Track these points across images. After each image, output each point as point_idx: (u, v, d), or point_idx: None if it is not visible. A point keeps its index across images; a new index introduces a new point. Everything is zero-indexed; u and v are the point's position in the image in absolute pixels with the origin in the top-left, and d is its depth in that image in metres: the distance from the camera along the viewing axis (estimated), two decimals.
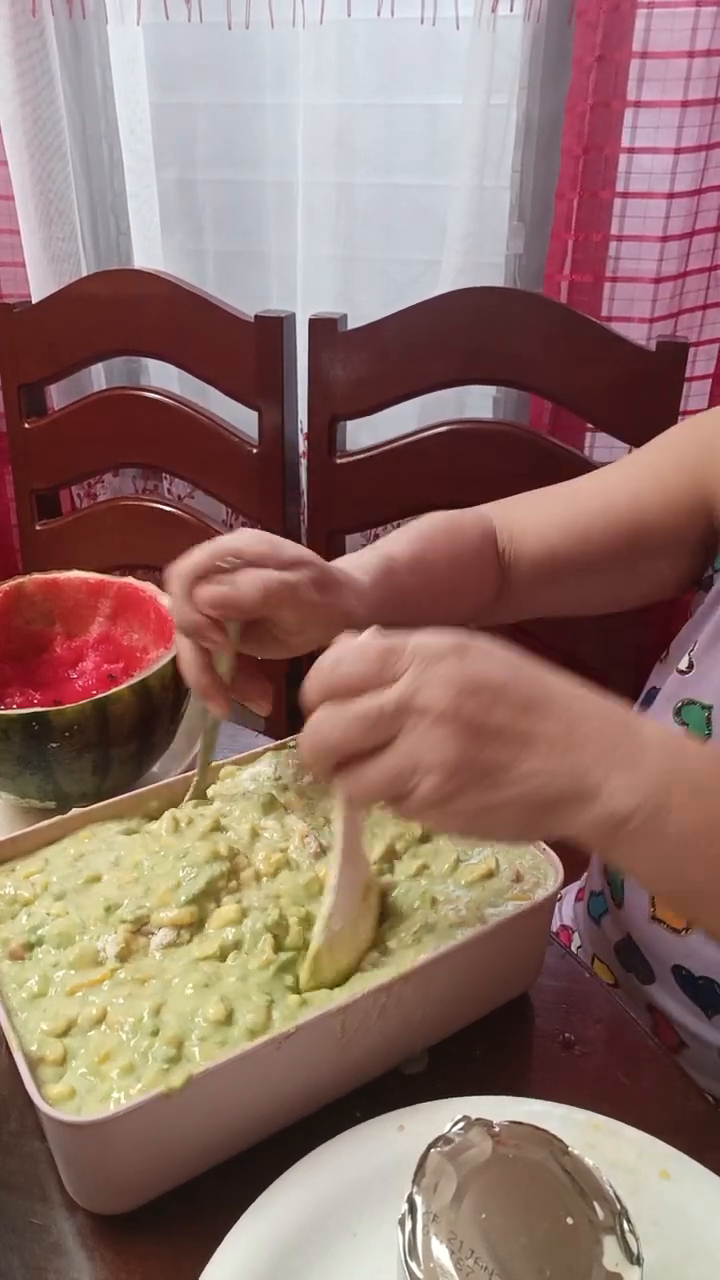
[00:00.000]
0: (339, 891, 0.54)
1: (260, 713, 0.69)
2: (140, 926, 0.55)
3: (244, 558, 0.62)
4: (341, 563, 0.69)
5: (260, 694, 0.69)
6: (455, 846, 0.62)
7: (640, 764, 0.48)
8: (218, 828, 0.62)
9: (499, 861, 0.61)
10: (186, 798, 0.66)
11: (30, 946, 0.56)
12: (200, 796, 0.66)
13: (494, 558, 0.79)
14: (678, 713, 0.72)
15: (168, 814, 0.64)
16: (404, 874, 0.60)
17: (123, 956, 0.54)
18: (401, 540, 0.74)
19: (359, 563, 0.70)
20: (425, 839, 0.63)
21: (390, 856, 0.62)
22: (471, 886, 0.59)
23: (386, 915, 0.59)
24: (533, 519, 0.80)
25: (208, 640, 0.63)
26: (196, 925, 0.56)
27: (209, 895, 0.57)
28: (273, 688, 0.69)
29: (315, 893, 0.58)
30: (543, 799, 0.47)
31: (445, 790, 0.46)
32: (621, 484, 0.79)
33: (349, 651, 0.49)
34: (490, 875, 0.60)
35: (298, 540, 1.33)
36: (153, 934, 0.55)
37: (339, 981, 0.55)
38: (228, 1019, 0.51)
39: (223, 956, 0.54)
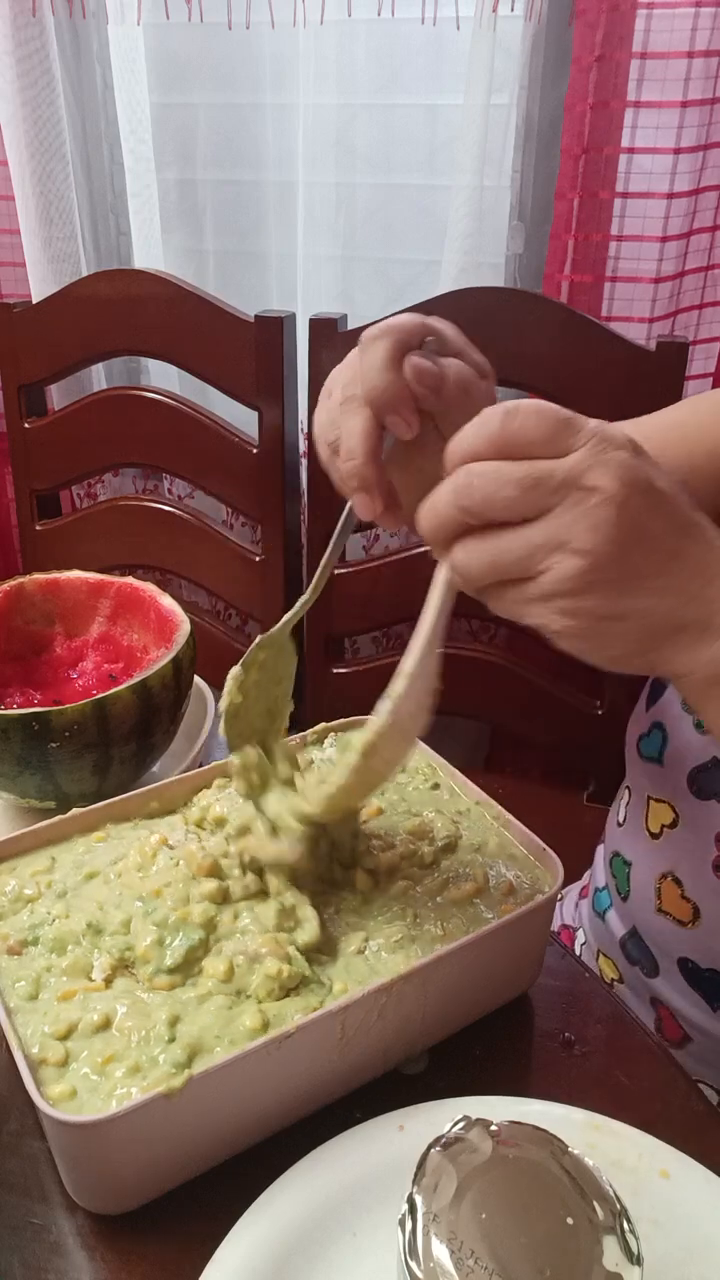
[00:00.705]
0: (413, 679, 0.51)
1: (393, 528, 0.61)
2: (126, 965, 0.54)
3: (447, 346, 0.57)
4: None
5: (397, 505, 0.59)
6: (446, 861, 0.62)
7: None
8: (211, 869, 0.59)
9: (490, 875, 0.61)
10: (304, 601, 0.61)
11: (26, 944, 0.56)
12: (316, 595, 0.61)
13: None
14: (684, 702, 0.72)
15: (156, 837, 0.62)
16: (392, 893, 0.60)
17: (109, 981, 0.54)
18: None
19: None
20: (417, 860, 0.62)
21: (378, 875, 0.61)
22: (460, 904, 0.59)
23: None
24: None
25: (403, 415, 0.55)
26: (184, 971, 0.54)
27: (191, 960, 0.54)
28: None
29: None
30: (669, 622, 0.46)
31: (583, 579, 0.44)
32: (648, 442, 0.77)
33: (526, 406, 0.45)
34: (479, 891, 0.60)
35: (298, 540, 1.34)
36: (138, 968, 0.55)
37: (375, 786, 0.54)
38: (264, 1028, 0.51)
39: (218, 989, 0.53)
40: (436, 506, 0.46)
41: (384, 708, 0.51)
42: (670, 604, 0.45)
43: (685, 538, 0.46)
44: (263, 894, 0.57)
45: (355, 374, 0.56)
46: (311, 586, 0.61)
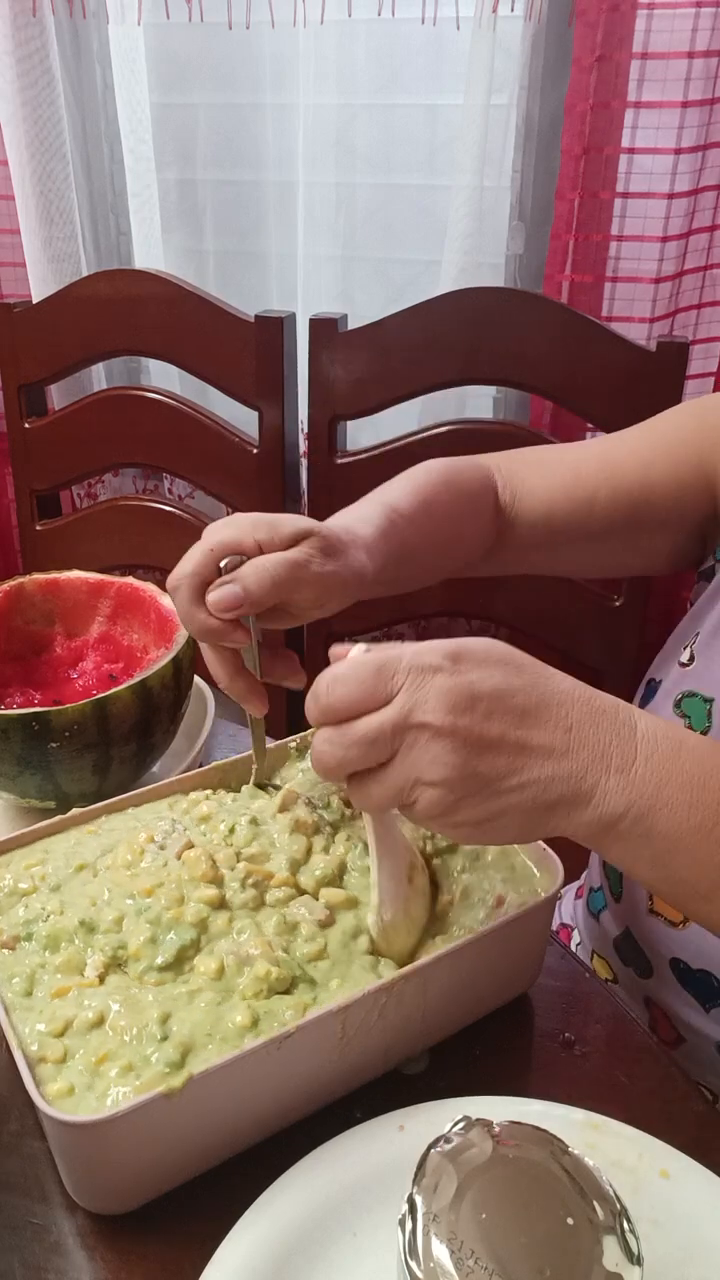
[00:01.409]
0: (382, 884, 0.55)
1: (295, 686, 0.67)
2: (119, 963, 0.54)
3: (244, 551, 0.60)
4: (341, 517, 0.68)
5: (291, 670, 0.67)
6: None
7: (634, 764, 0.48)
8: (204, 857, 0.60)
9: (489, 875, 0.61)
10: (250, 783, 0.66)
11: (20, 940, 0.56)
12: (264, 782, 0.67)
13: (492, 512, 0.78)
14: (678, 705, 0.72)
15: (142, 833, 0.62)
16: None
17: (103, 978, 0.53)
18: (402, 491, 0.73)
19: (360, 514, 0.69)
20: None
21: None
22: (460, 904, 0.59)
23: (437, 885, 0.60)
24: (537, 482, 0.79)
25: (231, 641, 0.62)
26: (175, 969, 0.54)
27: (182, 958, 0.54)
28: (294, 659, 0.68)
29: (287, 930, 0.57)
30: (540, 805, 0.48)
31: (445, 802, 0.47)
32: (629, 457, 0.78)
33: (343, 673, 0.49)
34: (479, 891, 0.60)
35: None
36: (130, 966, 0.54)
37: (405, 961, 0.56)
38: (254, 1025, 0.51)
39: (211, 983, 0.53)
40: (315, 765, 0.51)
41: (371, 920, 0.56)
42: (534, 793, 0.48)
43: (529, 725, 0.48)
44: (260, 904, 0.57)
45: (180, 619, 0.63)
46: (255, 774, 0.67)
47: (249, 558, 0.60)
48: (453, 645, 0.49)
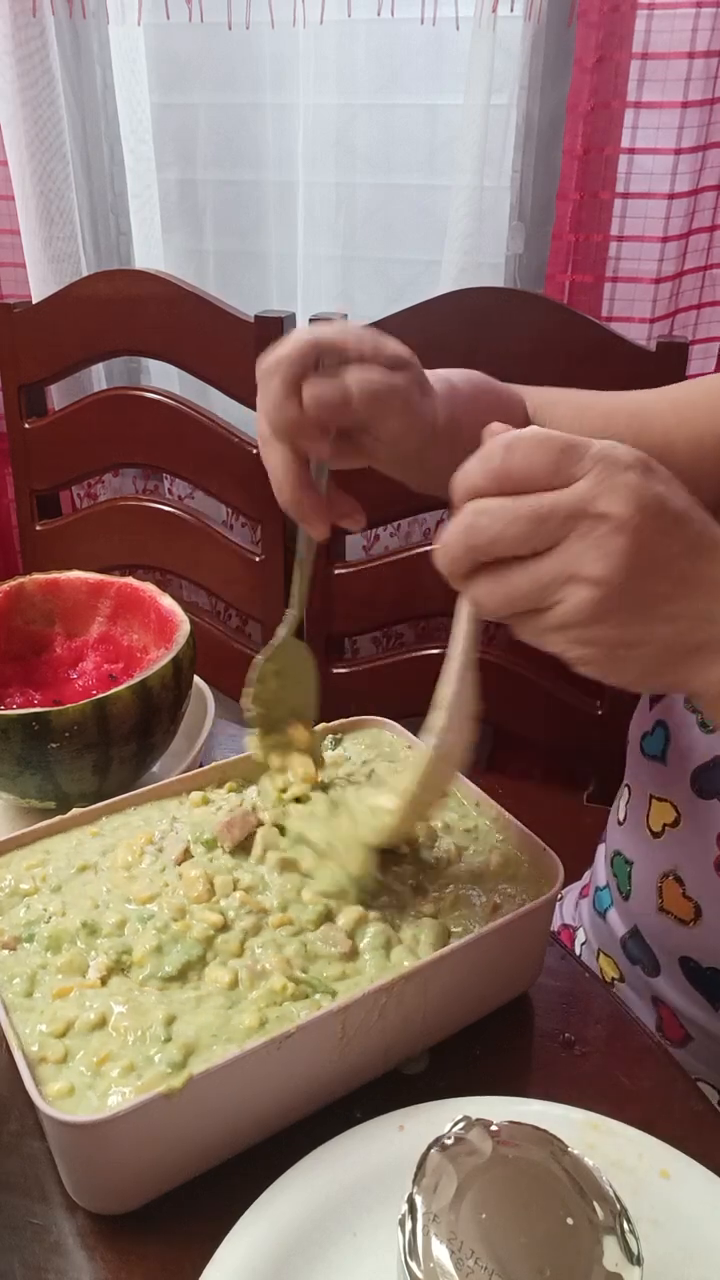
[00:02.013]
0: (452, 708, 0.52)
1: (355, 528, 0.62)
2: (122, 967, 0.54)
3: (347, 356, 0.56)
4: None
5: (354, 509, 0.62)
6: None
7: None
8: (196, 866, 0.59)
9: (489, 875, 0.61)
10: (279, 634, 0.63)
11: (21, 940, 0.56)
12: (297, 632, 0.63)
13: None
14: (688, 701, 0.72)
15: (142, 836, 0.62)
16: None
17: (105, 980, 0.53)
18: (459, 377, 0.69)
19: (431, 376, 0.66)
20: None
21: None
22: (461, 904, 0.59)
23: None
24: (568, 421, 0.77)
25: (313, 443, 0.56)
26: (180, 979, 0.54)
27: (187, 969, 0.54)
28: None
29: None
30: (685, 644, 0.46)
31: (597, 609, 0.43)
32: (655, 419, 0.77)
33: (527, 437, 0.44)
34: (480, 892, 0.60)
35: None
36: (133, 971, 0.54)
37: (426, 814, 0.56)
38: (261, 1027, 0.50)
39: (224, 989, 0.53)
40: (448, 546, 0.46)
41: (428, 741, 0.52)
42: (684, 627, 0.45)
43: (699, 559, 0.45)
44: (259, 930, 0.56)
45: (262, 409, 0.57)
46: (295, 600, 0.62)
47: (350, 363, 0.56)
48: (641, 453, 0.45)
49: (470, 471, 0.45)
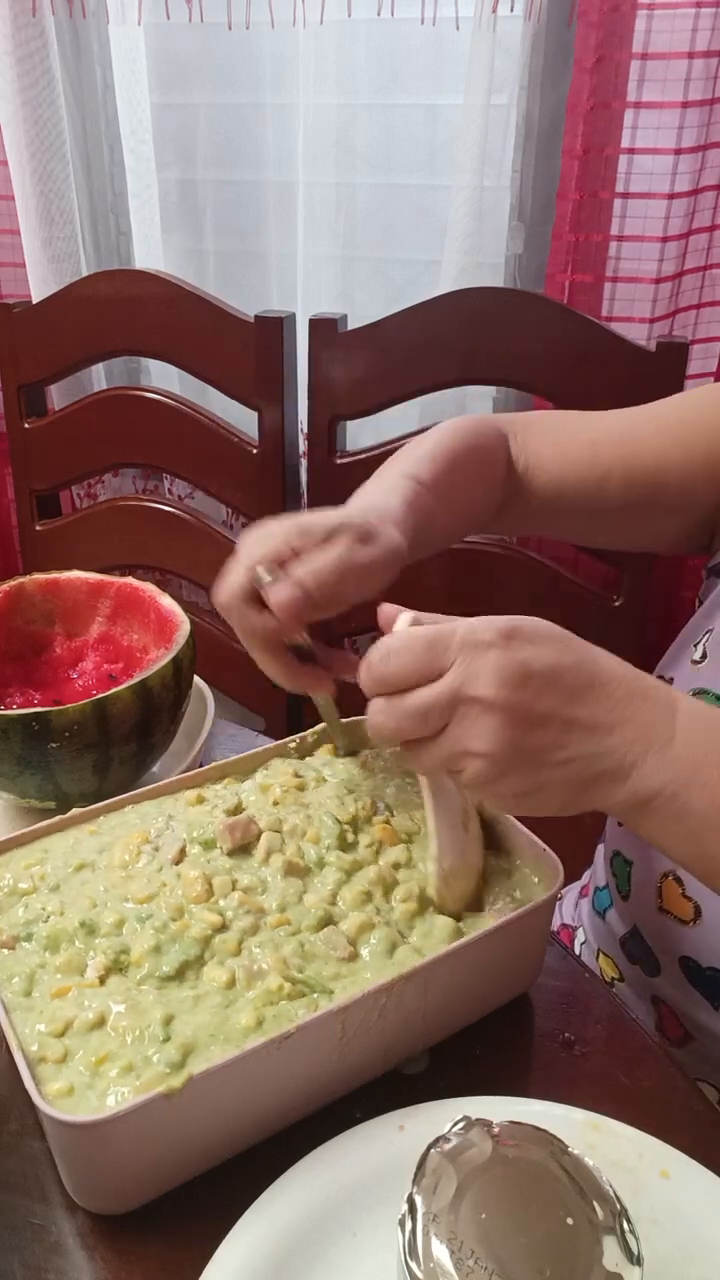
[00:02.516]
0: (440, 833, 0.57)
1: (354, 679, 0.66)
2: (120, 967, 0.54)
3: (282, 560, 0.60)
4: (365, 497, 0.69)
5: (347, 663, 0.66)
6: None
7: (672, 743, 0.50)
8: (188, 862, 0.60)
9: (489, 876, 0.61)
10: (338, 754, 0.68)
11: (19, 940, 0.56)
12: (351, 753, 0.69)
13: (503, 478, 0.78)
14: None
15: (138, 835, 0.62)
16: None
17: (103, 980, 0.53)
18: (422, 458, 0.73)
19: (384, 486, 0.69)
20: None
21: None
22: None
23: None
24: (551, 454, 0.79)
25: (296, 634, 0.63)
26: (179, 979, 0.54)
27: (185, 969, 0.54)
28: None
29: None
30: (581, 779, 0.50)
31: (491, 774, 0.49)
32: (647, 441, 0.78)
33: (397, 646, 0.51)
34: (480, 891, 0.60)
35: None
36: (131, 971, 0.54)
37: (465, 907, 0.58)
38: (259, 1026, 0.50)
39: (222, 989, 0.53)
40: (370, 733, 0.53)
41: (431, 870, 0.58)
42: (578, 768, 0.50)
43: (578, 702, 0.49)
44: (257, 930, 0.56)
45: (239, 634, 0.64)
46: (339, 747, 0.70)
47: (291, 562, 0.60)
48: (505, 622, 0.50)
49: (361, 678, 0.52)
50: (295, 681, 0.65)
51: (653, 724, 0.50)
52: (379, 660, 0.51)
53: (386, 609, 0.54)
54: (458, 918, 0.58)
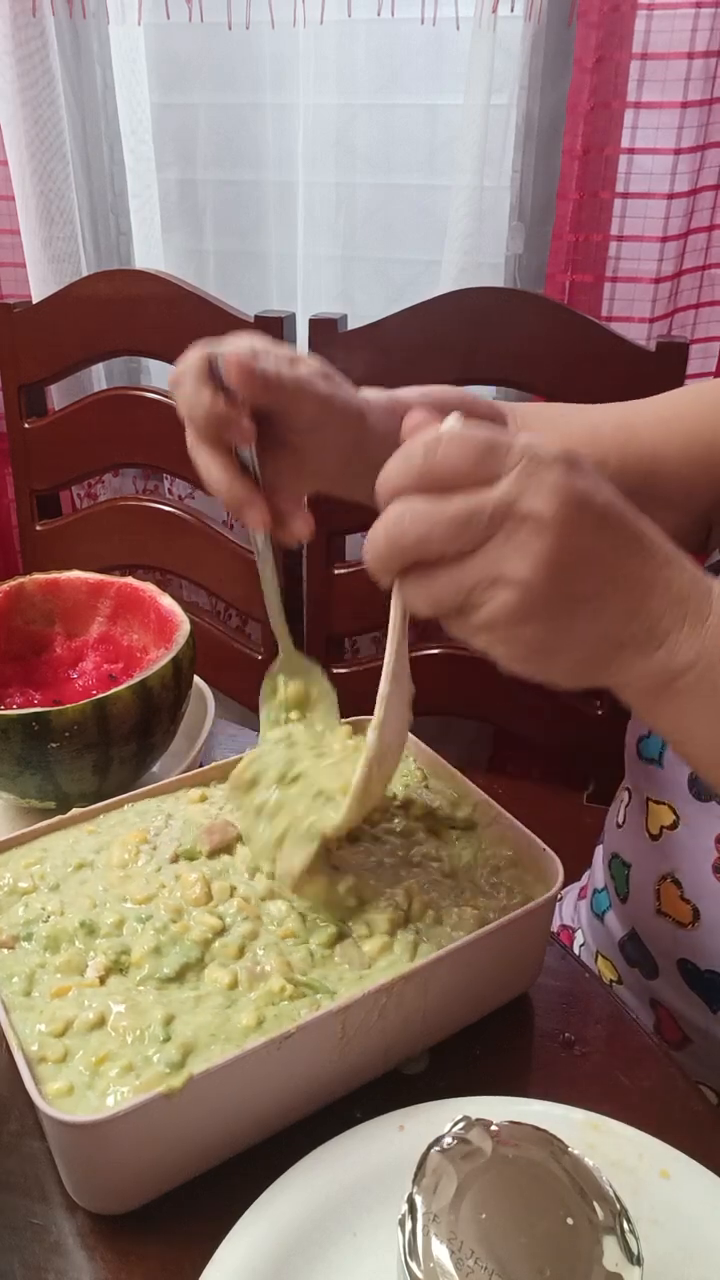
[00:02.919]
0: (388, 705, 0.51)
1: (301, 536, 0.62)
2: (121, 968, 0.54)
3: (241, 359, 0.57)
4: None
5: (302, 516, 0.61)
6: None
7: (708, 619, 0.46)
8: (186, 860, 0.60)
9: (489, 876, 0.61)
10: (276, 664, 0.63)
11: (19, 939, 0.56)
12: (292, 653, 0.63)
13: None
14: None
15: (135, 835, 0.62)
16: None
17: (103, 980, 0.53)
18: (412, 392, 0.70)
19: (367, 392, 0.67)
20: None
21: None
22: (461, 905, 0.59)
23: None
24: (549, 436, 0.78)
25: (236, 432, 0.57)
26: (179, 980, 0.54)
27: (185, 970, 0.54)
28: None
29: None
30: (609, 641, 0.45)
31: (519, 610, 0.43)
32: (645, 429, 0.77)
33: (453, 435, 0.43)
34: (479, 892, 0.60)
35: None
36: (132, 972, 0.54)
37: (377, 798, 0.56)
38: (259, 1025, 0.50)
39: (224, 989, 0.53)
40: (375, 547, 0.45)
41: (370, 739, 0.52)
42: (608, 626, 0.45)
43: (622, 554, 0.45)
44: (255, 936, 0.56)
45: (183, 413, 0.58)
46: (274, 623, 0.63)
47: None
48: (566, 448, 0.44)
49: (393, 471, 0.44)
50: (232, 491, 0.59)
51: (689, 595, 0.45)
52: (425, 448, 0.43)
53: (415, 413, 0.46)
54: (366, 821, 0.55)
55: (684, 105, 1.21)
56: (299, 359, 0.60)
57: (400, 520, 0.44)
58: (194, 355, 0.58)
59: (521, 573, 0.42)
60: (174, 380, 0.59)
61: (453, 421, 0.45)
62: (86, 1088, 0.48)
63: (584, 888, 0.89)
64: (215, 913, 0.56)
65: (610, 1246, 0.38)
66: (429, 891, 0.59)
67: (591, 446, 0.76)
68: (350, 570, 1.29)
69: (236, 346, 0.59)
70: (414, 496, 0.43)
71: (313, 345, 1.21)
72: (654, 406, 0.79)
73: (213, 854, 0.60)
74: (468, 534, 0.42)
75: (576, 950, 0.86)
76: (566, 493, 0.42)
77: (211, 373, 0.58)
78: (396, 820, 0.64)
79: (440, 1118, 0.45)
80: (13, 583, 0.89)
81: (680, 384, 1.07)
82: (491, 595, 0.43)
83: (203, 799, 0.65)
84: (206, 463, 0.59)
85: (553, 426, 0.79)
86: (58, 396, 1.54)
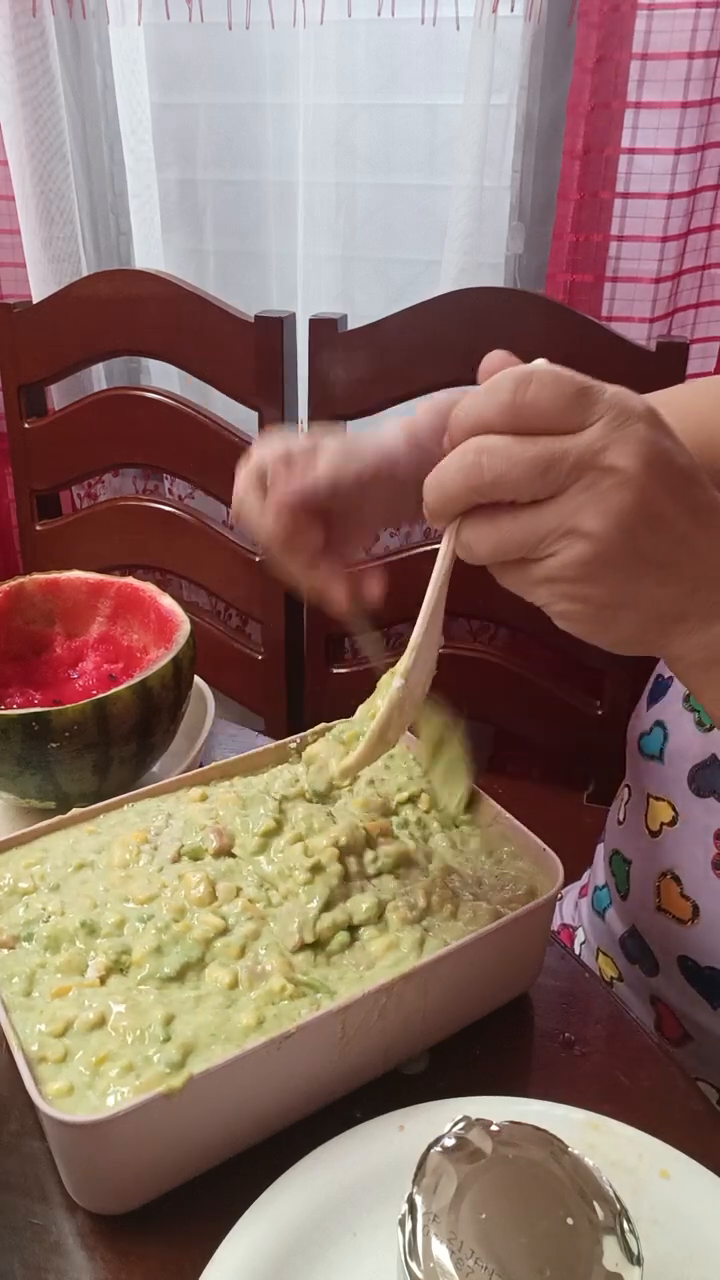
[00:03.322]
0: (420, 649, 0.51)
1: (376, 594, 0.65)
2: (121, 968, 0.54)
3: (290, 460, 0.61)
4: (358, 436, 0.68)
5: (364, 575, 0.65)
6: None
7: None
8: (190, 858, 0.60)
9: (489, 876, 0.61)
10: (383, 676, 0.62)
11: (19, 939, 0.56)
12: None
13: None
14: (687, 699, 0.72)
15: (135, 835, 0.62)
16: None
17: (104, 980, 0.53)
18: (425, 404, 0.70)
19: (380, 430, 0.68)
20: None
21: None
22: (461, 905, 0.59)
23: None
24: None
25: (304, 541, 0.61)
26: (179, 979, 0.54)
27: (186, 969, 0.54)
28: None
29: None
30: (673, 609, 0.44)
31: (590, 566, 0.42)
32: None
33: (544, 375, 0.41)
34: (479, 893, 0.60)
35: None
36: (132, 971, 0.54)
37: (386, 750, 0.56)
38: (259, 1025, 0.50)
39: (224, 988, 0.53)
40: (444, 482, 0.43)
41: (395, 684, 0.52)
42: (674, 592, 0.44)
43: (696, 522, 0.43)
44: (258, 936, 0.56)
45: (257, 533, 0.63)
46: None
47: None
48: (651, 404, 0.43)
49: (476, 405, 0.42)
50: (313, 576, 0.63)
51: None
52: (514, 384, 0.41)
53: (496, 354, 0.45)
54: (363, 761, 0.55)
55: (684, 105, 1.21)
56: (318, 445, 0.62)
57: (479, 456, 0.42)
58: (247, 482, 0.62)
59: (597, 526, 0.41)
60: (236, 504, 0.63)
61: (543, 362, 0.43)
62: (87, 1088, 0.48)
63: (584, 886, 0.89)
64: (219, 913, 0.56)
65: (610, 1246, 0.38)
66: (442, 888, 0.59)
67: None
68: (350, 570, 1.29)
69: (268, 455, 0.62)
70: (490, 436, 0.42)
71: (313, 345, 1.21)
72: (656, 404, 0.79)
73: (218, 854, 0.60)
74: (547, 480, 0.41)
75: (577, 948, 0.86)
76: (652, 450, 0.41)
77: (262, 484, 0.62)
78: (405, 811, 0.65)
79: (440, 1118, 0.45)
80: (13, 583, 0.89)
81: (681, 383, 1.07)
82: (562, 546, 0.42)
83: (203, 798, 0.65)
84: (289, 570, 0.64)
85: None
86: (58, 396, 1.54)
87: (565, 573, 0.42)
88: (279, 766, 0.69)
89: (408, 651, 0.51)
